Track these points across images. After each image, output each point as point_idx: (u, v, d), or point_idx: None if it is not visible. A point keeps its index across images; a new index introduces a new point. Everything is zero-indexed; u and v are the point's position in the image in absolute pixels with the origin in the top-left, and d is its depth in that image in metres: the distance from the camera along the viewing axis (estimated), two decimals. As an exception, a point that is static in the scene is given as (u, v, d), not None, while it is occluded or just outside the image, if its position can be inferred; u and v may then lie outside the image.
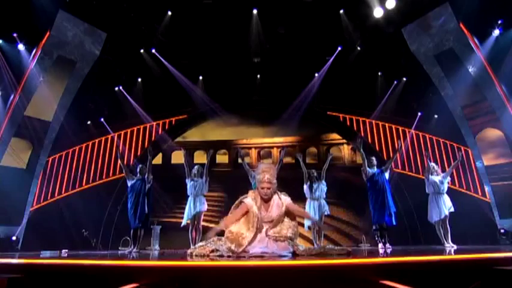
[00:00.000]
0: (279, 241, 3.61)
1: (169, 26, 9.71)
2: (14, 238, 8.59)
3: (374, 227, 6.65)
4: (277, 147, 11.91)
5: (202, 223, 7.20)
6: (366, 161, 6.62)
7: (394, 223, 6.40)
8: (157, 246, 9.22)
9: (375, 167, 6.63)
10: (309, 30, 9.81)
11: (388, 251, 5.41)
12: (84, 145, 11.24)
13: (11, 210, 8.68)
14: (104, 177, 11.15)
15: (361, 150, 6.63)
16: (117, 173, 11.25)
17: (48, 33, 8.77)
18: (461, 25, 8.72)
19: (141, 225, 6.71)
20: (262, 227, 3.66)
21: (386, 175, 6.57)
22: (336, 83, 10.92)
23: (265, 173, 3.65)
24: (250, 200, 3.70)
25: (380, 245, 6.40)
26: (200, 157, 11.45)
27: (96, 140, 11.44)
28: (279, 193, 3.78)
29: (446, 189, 6.58)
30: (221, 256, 3.42)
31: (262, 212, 3.67)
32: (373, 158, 6.74)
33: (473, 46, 8.66)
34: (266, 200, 3.69)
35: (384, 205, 6.31)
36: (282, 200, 3.72)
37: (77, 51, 9.44)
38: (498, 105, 8.59)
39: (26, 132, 9.02)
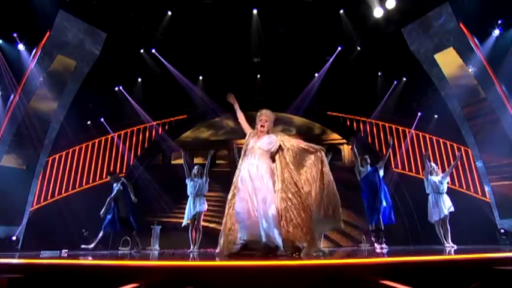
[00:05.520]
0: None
1: (169, 26, 9.71)
2: (14, 238, 8.58)
3: (370, 227, 6.60)
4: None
5: (202, 223, 7.21)
6: (358, 159, 6.58)
7: (393, 221, 6.35)
8: (157, 246, 9.22)
9: (369, 166, 6.58)
10: (309, 30, 9.81)
11: (384, 251, 5.38)
12: (84, 145, 11.24)
13: (11, 210, 8.67)
14: (103, 177, 11.13)
15: (354, 148, 6.57)
16: (117, 173, 11.25)
17: (48, 33, 8.76)
18: (461, 25, 8.72)
19: (122, 228, 7.06)
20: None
21: (381, 173, 6.49)
22: (336, 83, 10.91)
23: (262, 114, 4.24)
24: (251, 132, 4.28)
25: (377, 245, 6.35)
26: (200, 157, 11.47)
27: (96, 140, 11.44)
28: (283, 135, 4.25)
29: (445, 189, 6.58)
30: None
31: (254, 140, 4.11)
32: (367, 157, 6.68)
33: (473, 46, 8.66)
34: (260, 136, 4.14)
35: (379, 204, 6.25)
36: (277, 136, 4.16)
37: (77, 51, 9.42)
38: (498, 105, 8.59)
39: (26, 132, 9.01)
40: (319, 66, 11.03)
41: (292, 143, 4.13)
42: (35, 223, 9.22)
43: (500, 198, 8.86)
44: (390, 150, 7.03)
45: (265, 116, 4.22)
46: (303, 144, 4.13)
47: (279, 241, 3.52)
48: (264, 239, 3.51)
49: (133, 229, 7.33)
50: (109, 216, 6.89)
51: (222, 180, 10.85)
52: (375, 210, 6.25)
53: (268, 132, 4.16)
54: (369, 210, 6.38)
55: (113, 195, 6.97)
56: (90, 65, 9.77)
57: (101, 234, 6.95)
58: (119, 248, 9.12)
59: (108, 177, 7.30)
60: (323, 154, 4.10)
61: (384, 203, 6.25)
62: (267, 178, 3.80)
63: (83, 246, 6.75)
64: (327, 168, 4.03)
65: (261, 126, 4.16)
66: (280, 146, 4.08)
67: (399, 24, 9.45)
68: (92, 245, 6.94)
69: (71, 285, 2.34)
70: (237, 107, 4.47)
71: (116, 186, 7.05)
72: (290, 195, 3.82)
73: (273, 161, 4.06)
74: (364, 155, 6.79)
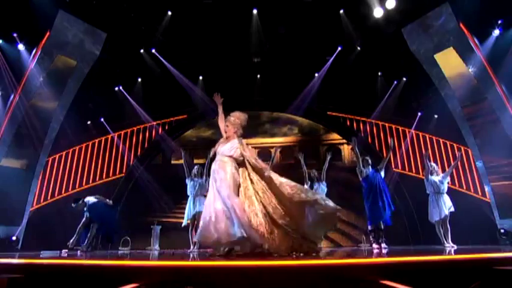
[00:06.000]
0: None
1: (169, 26, 9.71)
2: (14, 238, 8.58)
3: (369, 227, 6.61)
4: (277, 147, 11.92)
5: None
6: (359, 160, 6.58)
7: (388, 223, 6.37)
8: (157, 246, 9.22)
9: (370, 167, 6.59)
10: (309, 30, 9.81)
11: (384, 251, 5.39)
12: (84, 145, 11.24)
13: (11, 210, 8.67)
14: (104, 177, 11.15)
15: (355, 149, 6.58)
16: (117, 173, 11.26)
17: (48, 33, 8.76)
18: (461, 25, 8.72)
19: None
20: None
21: (382, 174, 6.52)
22: (336, 83, 10.91)
23: (226, 120, 4.25)
24: (222, 139, 4.25)
25: (375, 245, 6.36)
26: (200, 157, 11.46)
27: (96, 140, 11.44)
28: (242, 143, 4.12)
29: (446, 189, 6.57)
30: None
31: (220, 146, 4.13)
32: (368, 158, 6.69)
33: (473, 46, 8.66)
34: (226, 142, 4.14)
35: (380, 205, 6.27)
36: (239, 145, 4.06)
37: (77, 51, 9.43)
38: (498, 105, 8.59)
39: (26, 132, 9.01)
40: (319, 66, 11.03)
41: (246, 154, 4.08)
42: (35, 223, 9.22)
43: (500, 198, 8.86)
44: (391, 152, 7.02)
45: (227, 121, 4.25)
46: (252, 159, 4.08)
47: (255, 235, 3.57)
48: (238, 234, 3.51)
49: (113, 242, 7.57)
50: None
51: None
52: (378, 210, 6.25)
53: (235, 137, 4.16)
54: (370, 211, 6.38)
55: (81, 224, 6.74)
56: (90, 65, 9.77)
57: (89, 234, 6.82)
58: (119, 248, 9.13)
59: (73, 206, 6.89)
60: (269, 173, 4.01)
61: (385, 204, 6.27)
62: (228, 180, 3.83)
63: (78, 248, 6.66)
64: (280, 183, 3.93)
65: (225, 132, 4.22)
66: (241, 152, 4.07)
67: (399, 24, 9.45)
68: (84, 246, 6.82)
69: (71, 285, 2.34)
70: (220, 109, 4.48)
71: (86, 212, 6.82)
72: (266, 199, 3.88)
73: (242, 166, 4.08)
74: (365, 156, 6.78)
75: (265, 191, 3.92)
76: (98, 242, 7.48)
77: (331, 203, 3.84)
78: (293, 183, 3.95)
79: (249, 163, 4.02)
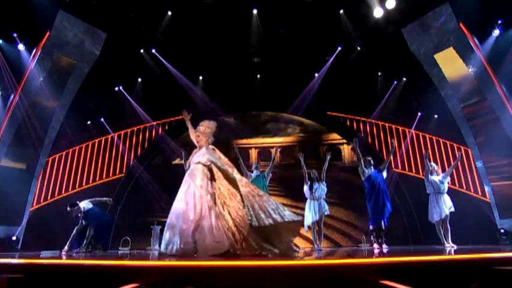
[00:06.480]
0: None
1: (169, 26, 9.72)
2: (14, 238, 8.58)
3: (371, 227, 6.62)
4: (277, 147, 11.91)
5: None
6: (361, 161, 6.58)
7: (386, 224, 6.38)
8: (157, 246, 9.22)
9: (372, 167, 6.60)
10: (309, 30, 9.81)
11: (385, 251, 5.39)
12: (84, 145, 11.24)
13: (11, 210, 8.67)
14: (104, 177, 11.15)
15: (357, 149, 6.59)
16: (117, 173, 11.26)
17: (48, 33, 8.76)
18: (461, 25, 8.72)
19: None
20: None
21: (384, 175, 6.54)
22: (336, 83, 10.91)
23: (200, 126, 4.45)
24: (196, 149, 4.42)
25: (375, 245, 6.37)
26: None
27: (96, 140, 11.44)
28: (209, 148, 4.29)
29: (446, 189, 6.57)
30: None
31: (193, 155, 4.31)
32: (370, 159, 6.69)
33: (473, 46, 8.66)
34: (199, 149, 4.34)
35: (381, 206, 6.28)
36: (206, 150, 4.24)
37: (77, 51, 9.43)
38: (498, 105, 8.59)
39: (26, 132, 9.01)
40: (319, 66, 11.03)
41: (211, 157, 4.18)
42: (35, 223, 9.22)
43: (500, 198, 8.86)
44: (391, 153, 7.02)
45: (198, 132, 4.43)
46: (218, 161, 4.18)
47: (216, 243, 3.69)
48: (174, 248, 3.73)
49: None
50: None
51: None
52: (379, 210, 6.26)
53: (206, 145, 4.32)
54: (373, 211, 6.38)
55: (75, 230, 6.67)
56: (90, 65, 9.77)
57: (87, 234, 6.79)
58: (119, 248, 9.13)
59: (69, 210, 6.65)
60: (238, 178, 4.09)
61: (385, 205, 6.28)
62: (193, 187, 3.93)
63: (75, 250, 6.63)
64: (244, 190, 3.99)
65: (197, 142, 4.39)
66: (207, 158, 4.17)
67: (399, 24, 9.45)
68: (83, 247, 6.78)
69: (71, 285, 2.34)
70: (189, 124, 4.66)
71: (81, 219, 6.72)
72: (231, 205, 3.94)
73: (212, 171, 4.17)
74: (367, 157, 6.79)
75: (231, 196, 3.99)
76: (98, 242, 7.47)
77: (277, 216, 3.71)
78: (253, 189, 4.00)
79: (216, 166, 4.12)
